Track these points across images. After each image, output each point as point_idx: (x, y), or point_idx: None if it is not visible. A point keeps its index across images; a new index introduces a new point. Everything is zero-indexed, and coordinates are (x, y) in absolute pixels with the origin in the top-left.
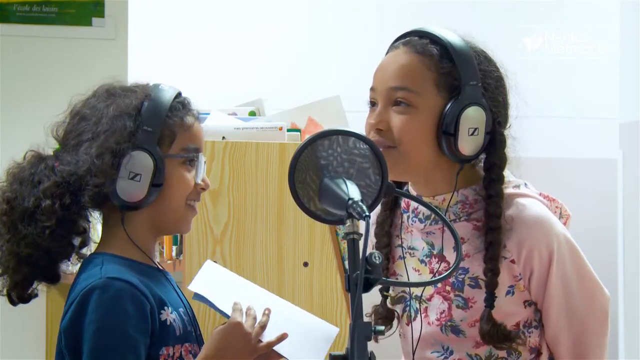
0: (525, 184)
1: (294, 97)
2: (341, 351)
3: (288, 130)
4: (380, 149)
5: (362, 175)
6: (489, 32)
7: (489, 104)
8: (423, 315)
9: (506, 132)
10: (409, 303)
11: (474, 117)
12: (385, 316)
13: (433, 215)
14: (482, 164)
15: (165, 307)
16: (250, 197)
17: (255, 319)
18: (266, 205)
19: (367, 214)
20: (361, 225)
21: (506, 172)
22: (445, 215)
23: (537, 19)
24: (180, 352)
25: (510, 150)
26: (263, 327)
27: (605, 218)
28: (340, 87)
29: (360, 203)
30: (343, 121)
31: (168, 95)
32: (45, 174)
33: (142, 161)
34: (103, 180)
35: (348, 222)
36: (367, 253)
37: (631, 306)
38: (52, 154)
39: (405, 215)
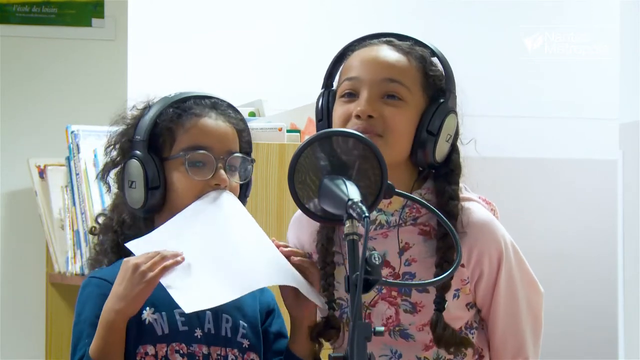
0: (465, 188)
1: (294, 97)
2: (340, 352)
3: (288, 131)
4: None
5: (362, 176)
6: (489, 32)
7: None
8: (367, 321)
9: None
10: (345, 310)
11: (451, 124)
12: (332, 327)
13: (378, 221)
14: (433, 172)
15: (147, 308)
16: (250, 198)
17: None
18: (266, 206)
19: (367, 214)
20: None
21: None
22: (392, 220)
23: (537, 19)
24: (165, 351)
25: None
26: (164, 257)
27: (605, 218)
28: None
29: (359, 204)
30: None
31: (164, 101)
32: None
33: (133, 168)
34: (117, 194)
35: (348, 223)
36: (367, 254)
37: (631, 306)
38: None
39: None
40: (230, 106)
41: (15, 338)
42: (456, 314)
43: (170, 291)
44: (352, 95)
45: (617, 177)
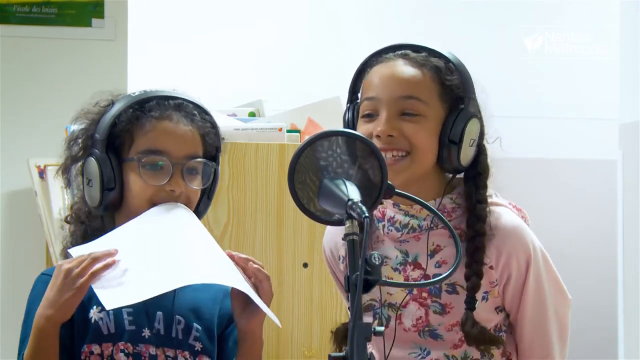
0: (496, 194)
1: (294, 98)
2: (341, 352)
3: (288, 131)
4: (393, 156)
5: (362, 176)
6: (489, 32)
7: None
8: (397, 322)
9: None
10: (378, 311)
11: (473, 129)
12: (345, 330)
13: (410, 224)
14: (463, 174)
15: (94, 306)
16: (249, 198)
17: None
18: (266, 206)
19: (367, 214)
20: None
21: None
22: (424, 224)
23: (537, 19)
24: (111, 351)
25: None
26: (95, 259)
27: (605, 218)
28: (340, 88)
29: (359, 204)
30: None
31: (125, 100)
32: None
33: (91, 167)
34: (76, 191)
35: (347, 223)
36: (367, 254)
37: (631, 306)
38: None
39: (380, 225)
40: (198, 107)
41: (15, 338)
42: (485, 317)
43: (95, 290)
44: (372, 115)
45: (617, 177)
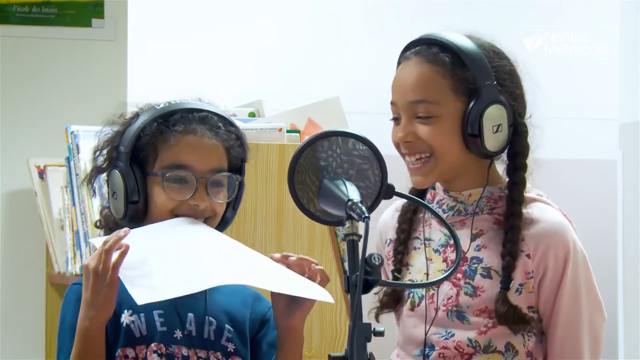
0: (547, 197)
1: (294, 98)
2: (340, 352)
3: (288, 132)
4: (417, 160)
5: (362, 177)
6: (489, 32)
7: (506, 98)
8: (429, 301)
9: (527, 121)
10: (413, 290)
11: (495, 115)
12: (391, 295)
13: (457, 207)
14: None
15: (125, 311)
16: (249, 199)
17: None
18: (265, 206)
19: (367, 215)
20: (360, 226)
21: (527, 186)
22: (470, 209)
23: (537, 19)
24: (145, 353)
25: (531, 138)
26: (109, 250)
27: (605, 219)
28: (340, 88)
29: (359, 204)
30: (343, 122)
31: (150, 113)
32: None
33: (115, 179)
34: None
35: (347, 224)
36: (367, 254)
37: (631, 306)
38: None
39: None
40: (222, 119)
41: (14, 338)
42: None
43: (126, 285)
44: (398, 119)
45: (617, 177)
